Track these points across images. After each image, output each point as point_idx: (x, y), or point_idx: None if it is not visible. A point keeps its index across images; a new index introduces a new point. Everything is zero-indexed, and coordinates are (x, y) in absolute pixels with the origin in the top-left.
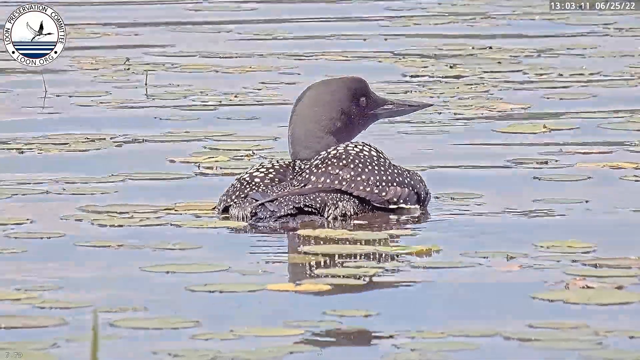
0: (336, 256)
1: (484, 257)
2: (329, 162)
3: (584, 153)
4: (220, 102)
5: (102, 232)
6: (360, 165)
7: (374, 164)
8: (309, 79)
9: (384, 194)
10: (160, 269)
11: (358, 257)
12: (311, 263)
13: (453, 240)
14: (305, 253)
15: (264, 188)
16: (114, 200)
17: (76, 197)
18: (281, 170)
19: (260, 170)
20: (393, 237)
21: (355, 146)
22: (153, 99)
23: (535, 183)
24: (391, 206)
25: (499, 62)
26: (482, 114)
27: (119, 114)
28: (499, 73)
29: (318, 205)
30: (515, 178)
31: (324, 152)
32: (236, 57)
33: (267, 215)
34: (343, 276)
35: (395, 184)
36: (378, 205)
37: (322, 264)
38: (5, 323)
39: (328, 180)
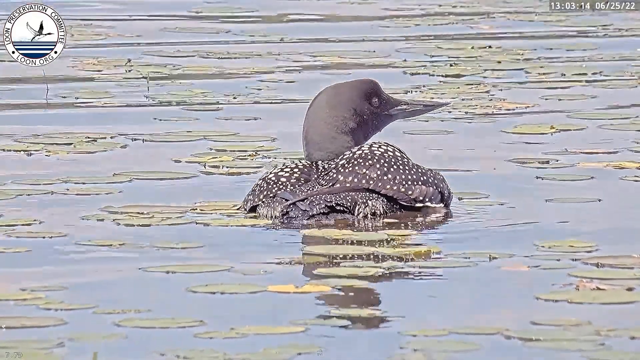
0: (337, 257)
1: (487, 257)
2: (355, 162)
3: (586, 153)
4: (219, 102)
5: (105, 233)
6: (386, 164)
7: (398, 163)
8: (309, 78)
9: (410, 192)
10: (162, 269)
11: (359, 258)
12: (312, 264)
13: (456, 239)
14: (306, 254)
15: (291, 188)
16: (121, 200)
17: (80, 198)
18: (305, 169)
19: (284, 170)
20: (394, 237)
21: (380, 146)
22: (154, 99)
23: (538, 183)
24: (417, 204)
25: (499, 62)
26: (485, 114)
27: (121, 114)
28: (500, 72)
29: (349, 204)
30: (518, 178)
31: (349, 152)
32: (236, 58)
33: (299, 215)
34: (345, 277)
35: (420, 182)
36: (405, 204)
37: (323, 265)
38: (7, 323)
39: (356, 180)
